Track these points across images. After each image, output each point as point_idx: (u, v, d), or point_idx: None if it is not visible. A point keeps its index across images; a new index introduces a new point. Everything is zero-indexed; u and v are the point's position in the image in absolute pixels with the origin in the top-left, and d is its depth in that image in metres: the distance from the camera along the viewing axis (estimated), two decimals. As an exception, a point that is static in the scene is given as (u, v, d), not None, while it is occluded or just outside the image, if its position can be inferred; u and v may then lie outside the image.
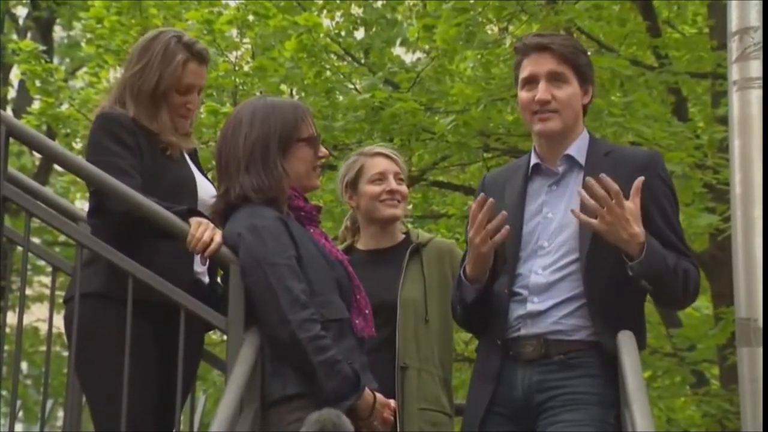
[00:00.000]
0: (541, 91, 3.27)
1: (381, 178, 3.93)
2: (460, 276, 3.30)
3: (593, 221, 3.08)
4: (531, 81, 3.31)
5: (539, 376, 3.17)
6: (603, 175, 3.07)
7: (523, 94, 3.33)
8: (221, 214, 3.35)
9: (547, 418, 3.13)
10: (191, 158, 3.65)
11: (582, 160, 3.31)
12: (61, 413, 3.65)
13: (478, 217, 3.13)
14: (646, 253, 3.08)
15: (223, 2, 9.19)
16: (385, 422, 3.25)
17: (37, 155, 12.17)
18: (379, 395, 3.22)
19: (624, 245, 3.10)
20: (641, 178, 3.10)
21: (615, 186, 3.05)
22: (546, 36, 3.39)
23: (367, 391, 3.18)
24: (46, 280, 13.35)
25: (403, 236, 3.99)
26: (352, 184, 3.97)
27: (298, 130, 3.35)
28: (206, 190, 3.56)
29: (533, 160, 3.37)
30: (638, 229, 3.08)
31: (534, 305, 3.20)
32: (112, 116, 3.46)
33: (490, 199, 3.13)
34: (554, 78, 3.28)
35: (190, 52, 3.53)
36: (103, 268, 3.34)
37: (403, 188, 3.96)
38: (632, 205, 3.08)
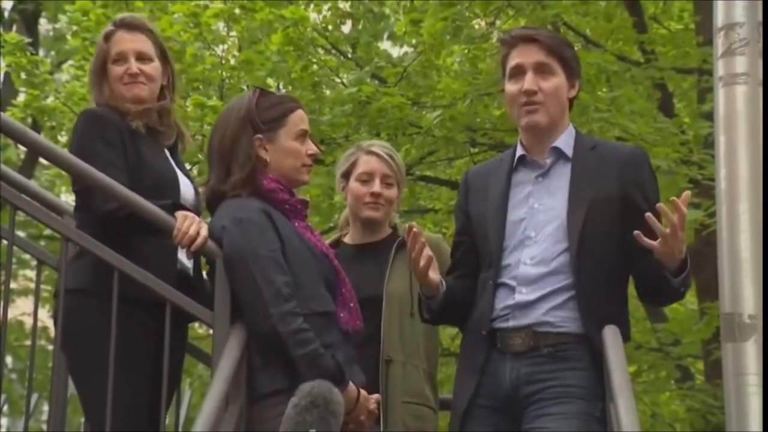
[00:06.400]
0: (528, 81, 3.28)
1: (367, 179, 3.91)
2: (419, 296, 3.37)
3: (655, 243, 3.07)
4: (518, 72, 3.31)
5: (528, 368, 3.18)
6: (674, 202, 3.03)
7: (510, 87, 3.33)
8: (208, 204, 3.40)
9: (535, 410, 3.14)
10: (171, 154, 3.64)
11: (569, 152, 3.32)
12: (46, 407, 3.65)
13: (415, 247, 3.18)
14: (689, 268, 3.13)
15: (210, -5, 9.16)
16: (371, 414, 3.26)
17: (23, 148, 12.12)
18: (362, 390, 3.23)
19: (672, 262, 3.12)
20: (687, 193, 3.08)
21: (678, 217, 3.03)
22: (532, 29, 3.42)
23: (352, 385, 3.18)
24: (31, 273, 13.30)
25: (390, 231, 3.99)
26: (346, 176, 3.98)
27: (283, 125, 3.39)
28: (187, 187, 3.56)
29: (519, 151, 3.37)
30: (684, 247, 3.12)
31: (522, 296, 3.21)
32: (96, 113, 3.50)
33: (415, 228, 3.18)
34: (541, 69, 3.29)
35: (114, 25, 3.66)
36: (93, 263, 3.32)
37: (389, 192, 3.91)
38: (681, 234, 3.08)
